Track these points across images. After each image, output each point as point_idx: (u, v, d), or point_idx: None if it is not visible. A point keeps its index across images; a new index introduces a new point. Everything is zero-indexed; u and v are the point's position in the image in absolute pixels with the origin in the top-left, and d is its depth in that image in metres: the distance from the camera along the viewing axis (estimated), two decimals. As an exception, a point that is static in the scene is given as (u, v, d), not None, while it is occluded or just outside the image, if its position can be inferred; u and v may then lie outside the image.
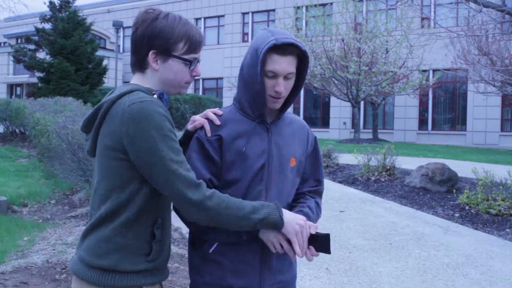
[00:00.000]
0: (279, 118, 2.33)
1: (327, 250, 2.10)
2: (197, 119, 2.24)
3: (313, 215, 2.33)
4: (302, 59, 2.26)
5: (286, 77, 2.21)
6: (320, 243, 2.09)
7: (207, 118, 2.25)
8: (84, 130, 2.05)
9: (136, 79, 2.03)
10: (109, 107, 1.91)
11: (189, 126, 2.25)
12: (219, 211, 1.89)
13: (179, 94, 2.12)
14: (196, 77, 2.07)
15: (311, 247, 2.10)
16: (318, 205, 2.43)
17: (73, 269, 1.97)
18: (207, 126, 2.21)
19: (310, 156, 2.44)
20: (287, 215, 2.03)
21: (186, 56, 2.00)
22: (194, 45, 2.01)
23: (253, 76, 2.21)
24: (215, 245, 2.23)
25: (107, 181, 1.91)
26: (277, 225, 1.99)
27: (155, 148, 1.82)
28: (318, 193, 2.46)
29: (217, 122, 2.23)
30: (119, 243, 1.90)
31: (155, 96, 1.96)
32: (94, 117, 1.96)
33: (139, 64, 2.01)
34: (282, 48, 2.17)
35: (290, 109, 2.46)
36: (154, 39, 1.95)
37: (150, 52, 1.96)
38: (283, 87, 2.20)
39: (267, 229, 2.05)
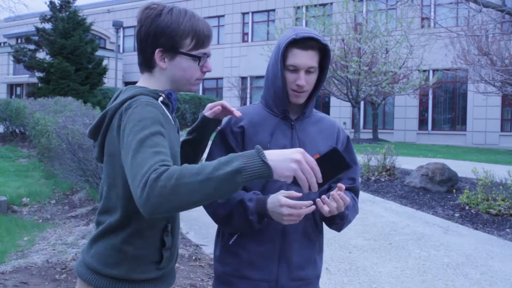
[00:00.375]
0: (304, 114, 2.34)
1: (345, 165, 1.74)
2: (214, 104, 2.21)
3: (350, 205, 2.29)
4: (324, 53, 2.29)
5: (308, 71, 2.25)
6: (332, 163, 1.72)
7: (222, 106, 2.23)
8: (91, 137, 1.96)
9: (145, 79, 1.94)
10: (113, 114, 1.82)
11: (207, 113, 2.24)
12: (175, 188, 1.50)
13: (190, 91, 2.02)
14: (207, 73, 1.98)
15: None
16: (354, 200, 2.40)
17: (81, 274, 1.89)
18: (228, 105, 2.22)
19: None
20: (274, 155, 1.59)
21: (194, 52, 1.87)
22: (202, 39, 1.88)
23: (275, 71, 2.28)
24: (235, 237, 2.27)
25: (115, 189, 1.83)
26: (263, 172, 1.55)
27: (130, 141, 1.66)
28: (354, 190, 2.43)
29: (238, 113, 2.24)
30: (129, 253, 1.84)
31: (161, 98, 1.85)
32: (100, 124, 1.88)
33: (146, 64, 1.91)
34: (302, 43, 2.22)
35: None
36: (160, 37, 1.83)
37: (157, 51, 1.85)
38: (305, 81, 2.24)
39: (253, 182, 1.63)
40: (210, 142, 2.38)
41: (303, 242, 2.30)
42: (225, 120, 2.38)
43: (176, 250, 2.00)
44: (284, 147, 2.27)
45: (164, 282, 1.96)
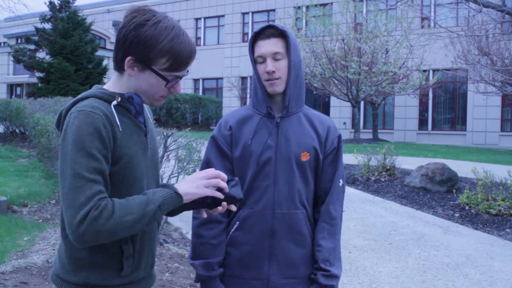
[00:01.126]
0: (288, 110, 2.35)
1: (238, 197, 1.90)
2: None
3: (332, 258, 2.32)
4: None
5: (274, 58, 2.30)
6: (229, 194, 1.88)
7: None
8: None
9: (113, 80, 1.90)
10: (65, 114, 1.80)
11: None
12: (112, 225, 1.65)
13: (152, 105, 1.95)
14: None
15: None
16: (329, 234, 2.34)
17: (52, 280, 1.93)
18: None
19: (330, 155, 2.40)
20: (181, 183, 1.81)
21: (165, 73, 1.80)
22: (178, 64, 1.80)
23: (252, 69, 2.38)
24: (236, 224, 2.33)
25: (62, 198, 1.74)
26: (178, 202, 1.77)
27: (66, 159, 1.69)
28: (326, 213, 2.36)
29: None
30: (85, 260, 1.82)
31: (115, 102, 1.80)
32: (58, 123, 1.86)
33: (117, 65, 1.85)
34: (263, 33, 2.31)
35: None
36: (135, 46, 1.76)
37: (128, 58, 1.78)
38: (273, 67, 2.28)
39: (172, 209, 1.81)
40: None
41: (295, 240, 2.31)
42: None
43: (144, 257, 1.93)
44: (268, 146, 2.30)
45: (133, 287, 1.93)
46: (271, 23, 2.33)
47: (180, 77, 1.86)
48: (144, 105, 1.96)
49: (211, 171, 1.85)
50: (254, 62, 2.35)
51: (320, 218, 2.35)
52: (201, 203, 1.86)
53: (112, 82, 1.90)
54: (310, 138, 2.34)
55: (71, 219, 1.64)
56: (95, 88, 1.87)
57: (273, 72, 2.28)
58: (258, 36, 2.32)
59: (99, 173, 1.69)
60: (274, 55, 2.28)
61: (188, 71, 1.88)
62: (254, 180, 2.30)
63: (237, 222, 2.33)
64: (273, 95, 2.34)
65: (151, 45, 1.75)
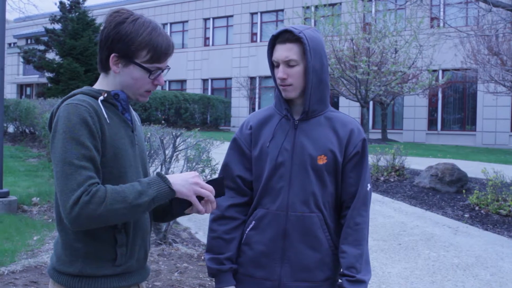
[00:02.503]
0: (307, 114, 2.32)
1: (223, 193, 2.04)
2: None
3: (359, 265, 2.25)
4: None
5: (288, 64, 2.27)
6: (217, 188, 2.00)
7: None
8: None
9: (100, 79, 2.02)
10: (55, 112, 1.91)
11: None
12: (104, 211, 1.74)
13: (138, 101, 2.07)
14: (158, 86, 2.02)
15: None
16: (354, 240, 2.28)
17: (48, 273, 2.04)
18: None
19: (353, 160, 2.33)
20: (177, 180, 1.89)
21: (147, 65, 1.93)
22: (158, 55, 1.93)
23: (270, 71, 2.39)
24: (252, 224, 2.34)
25: (56, 185, 1.86)
26: (170, 196, 1.87)
27: (57, 148, 1.80)
28: (351, 219, 2.30)
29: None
30: (80, 250, 1.89)
31: (101, 98, 1.92)
32: (50, 122, 1.96)
33: (102, 65, 1.98)
34: (281, 37, 2.28)
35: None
36: (117, 43, 1.90)
37: (112, 55, 1.92)
38: (285, 73, 2.26)
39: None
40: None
41: (309, 243, 2.29)
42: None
43: (137, 247, 2.00)
44: (284, 148, 2.30)
45: (126, 278, 1.99)
46: (288, 27, 2.27)
47: (162, 69, 1.98)
48: (131, 109, 2.08)
49: (207, 186, 1.93)
50: (272, 65, 2.34)
51: (345, 223, 2.30)
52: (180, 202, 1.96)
53: (99, 82, 2.02)
54: (328, 141, 2.30)
55: (64, 204, 1.74)
56: (84, 88, 1.99)
57: (285, 78, 2.27)
58: (276, 38, 2.30)
59: (88, 160, 1.79)
60: (287, 61, 2.26)
61: (168, 66, 2.00)
62: (269, 181, 2.30)
63: (253, 222, 2.34)
64: (293, 98, 2.33)
65: (131, 39, 1.90)
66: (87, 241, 1.89)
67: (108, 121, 1.89)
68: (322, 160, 2.28)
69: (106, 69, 1.97)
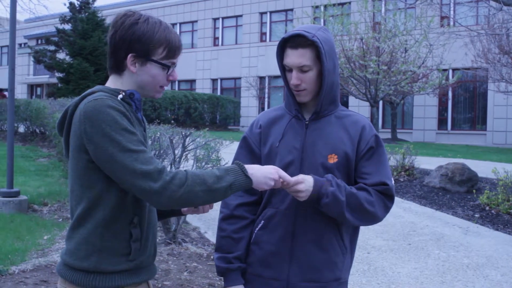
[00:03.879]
0: (318, 114, 2.31)
1: None
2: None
3: (345, 188, 2.20)
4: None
5: (302, 70, 2.24)
6: None
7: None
8: (59, 134, 2.07)
9: (112, 80, 2.04)
10: (73, 110, 1.94)
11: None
12: (184, 193, 1.83)
13: (153, 98, 2.12)
14: (172, 81, 2.05)
15: None
16: (370, 197, 2.24)
17: (59, 272, 2.02)
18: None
19: (367, 155, 2.30)
20: (255, 170, 1.98)
21: (164, 61, 1.99)
22: (173, 50, 2.00)
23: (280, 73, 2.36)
24: (261, 223, 2.33)
25: (78, 181, 1.93)
26: (247, 185, 1.95)
27: (109, 142, 1.81)
28: (385, 194, 2.28)
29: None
30: (97, 245, 1.92)
31: (120, 96, 1.95)
32: (63, 120, 2.00)
33: (117, 66, 2.00)
34: (293, 41, 2.23)
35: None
36: (134, 43, 1.94)
37: (129, 55, 1.95)
38: (299, 79, 2.24)
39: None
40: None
41: (319, 244, 2.27)
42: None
43: (149, 243, 2.04)
44: (294, 148, 2.29)
45: (138, 274, 2.01)
46: (300, 31, 2.20)
47: (175, 65, 2.05)
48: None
49: (282, 173, 2.05)
50: (283, 68, 2.31)
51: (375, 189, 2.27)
52: None
53: (112, 82, 2.03)
54: (339, 140, 2.28)
55: (144, 189, 1.81)
56: (98, 86, 2.01)
57: (298, 84, 2.25)
58: (287, 42, 2.25)
59: (142, 144, 1.86)
60: (301, 67, 2.22)
61: (176, 64, 2.06)
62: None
63: (262, 221, 2.33)
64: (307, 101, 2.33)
65: (148, 38, 1.95)
66: (105, 235, 1.92)
67: (130, 117, 1.93)
68: (332, 159, 2.26)
69: (121, 70, 2.00)
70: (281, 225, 2.27)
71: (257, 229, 2.34)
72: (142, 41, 1.94)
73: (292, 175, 2.19)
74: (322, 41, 2.21)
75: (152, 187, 1.80)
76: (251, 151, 2.38)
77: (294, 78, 2.24)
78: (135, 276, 1.99)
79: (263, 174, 1.98)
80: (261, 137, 2.37)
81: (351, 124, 2.32)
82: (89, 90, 1.99)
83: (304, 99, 2.30)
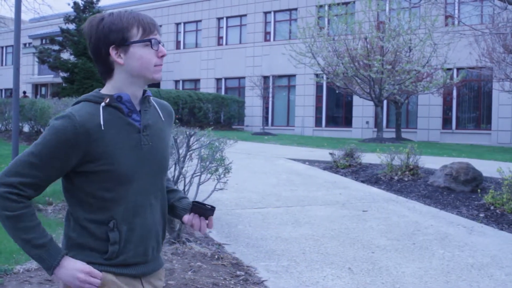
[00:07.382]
0: None
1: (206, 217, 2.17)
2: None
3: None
4: None
5: None
6: (199, 212, 2.16)
7: None
8: None
9: (106, 85, 2.06)
10: None
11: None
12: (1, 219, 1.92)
13: (154, 81, 2.10)
14: (162, 56, 2.05)
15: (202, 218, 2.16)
16: None
17: None
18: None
19: None
20: (67, 268, 1.95)
21: (144, 39, 2.01)
22: (148, 26, 2.01)
23: None
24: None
25: (63, 183, 2.07)
26: (47, 272, 1.96)
27: (32, 146, 1.94)
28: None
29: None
30: (75, 240, 2.00)
31: (103, 104, 1.97)
32: None
33: (106, 69, 2.03)
34: None
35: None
36: (109, 35, 1.97)
37: (110, 48, 1.98)
38: None
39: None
40: None
41: None
42: None
43: (134, 245, 2.03)
44: None
45: (119, 268, 2.02)
46: None
47: (159, 41, 2.03)
48: (160, 106, 2.17)
49: (93, 280, 1.97)
50: None
51: None
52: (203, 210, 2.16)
53: (105, 87, 2.07)
54: None
55: None
56: (93, 91, 2.07)
57: None
58: None
59: (35, 174, 1.92)
60: None
61: (162, 42, 2.06)
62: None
63: None
64: None
65: (118, 25, 1.98)
66: (81, 233, 1.99)
67: (103, 128, 1.94)
68: None
69: (111, 70, 2.02)
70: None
71: None
72: (114, 30, 1.97)
73: None
74: None
75: None
76: None
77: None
78: (115, 268, 2.00)
79: (71, 272, 1.94)
80: None
81: None
82: (79, 98, 2.05)
83: None
